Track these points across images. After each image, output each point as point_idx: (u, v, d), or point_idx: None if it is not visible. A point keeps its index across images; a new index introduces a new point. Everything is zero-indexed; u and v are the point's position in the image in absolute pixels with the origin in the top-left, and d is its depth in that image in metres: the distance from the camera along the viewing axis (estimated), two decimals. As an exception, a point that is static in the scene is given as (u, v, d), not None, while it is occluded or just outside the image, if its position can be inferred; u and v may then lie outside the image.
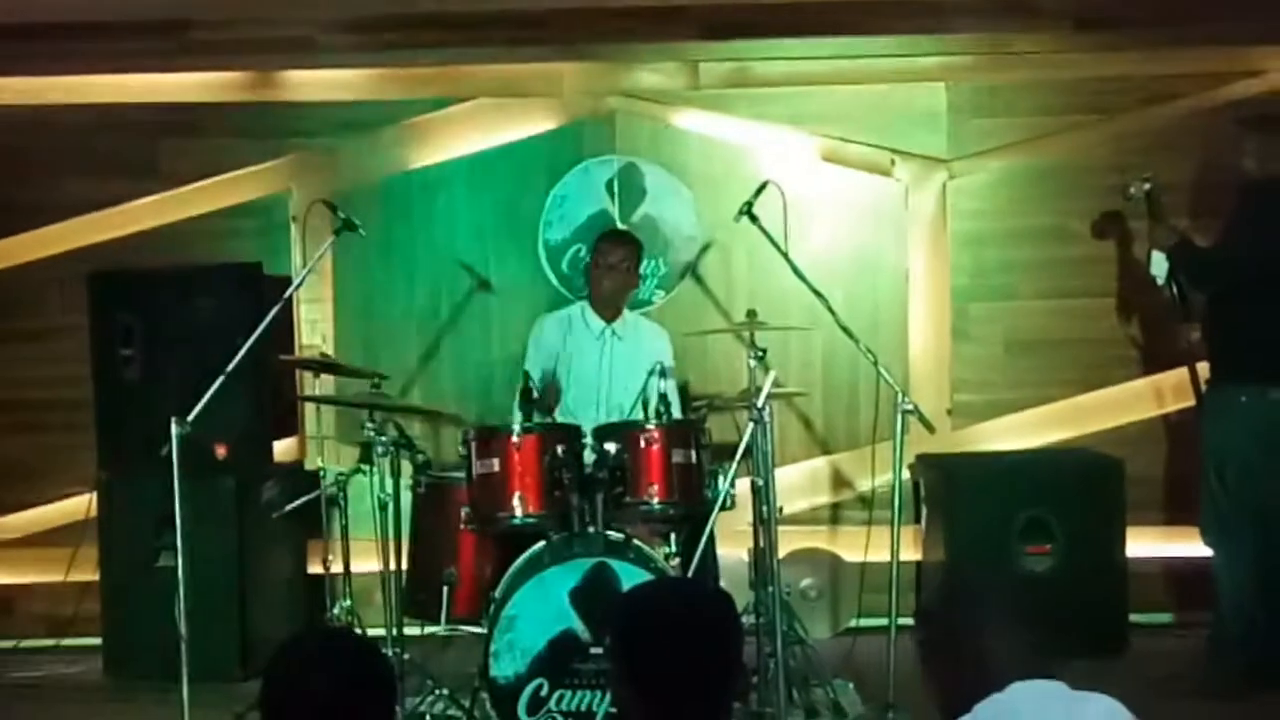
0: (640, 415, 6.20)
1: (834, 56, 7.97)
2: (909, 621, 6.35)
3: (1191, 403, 7.23)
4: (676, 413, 6.42)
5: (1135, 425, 7.96)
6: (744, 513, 6.43)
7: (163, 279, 7.51)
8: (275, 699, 2.83)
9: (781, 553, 6.22)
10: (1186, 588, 7.61)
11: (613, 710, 5.52)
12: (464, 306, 7.94)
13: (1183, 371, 7.36)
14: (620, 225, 7.86)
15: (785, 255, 6.38)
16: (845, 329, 6.27)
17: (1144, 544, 7.61)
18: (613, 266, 7.02)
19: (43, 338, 7.97)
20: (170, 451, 5.83)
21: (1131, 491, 7.41)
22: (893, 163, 8.03)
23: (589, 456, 6.04)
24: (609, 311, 7.05)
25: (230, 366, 6.01)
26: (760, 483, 6.04)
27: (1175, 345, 7.38)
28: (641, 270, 7.36)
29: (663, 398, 6.09)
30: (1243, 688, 6.36)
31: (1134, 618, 7.37)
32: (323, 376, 7.12)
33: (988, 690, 2.99)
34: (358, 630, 6.21)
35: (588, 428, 6.17)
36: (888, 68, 8.04)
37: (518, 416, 6.23)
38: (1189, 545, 7.19)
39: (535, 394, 6.24)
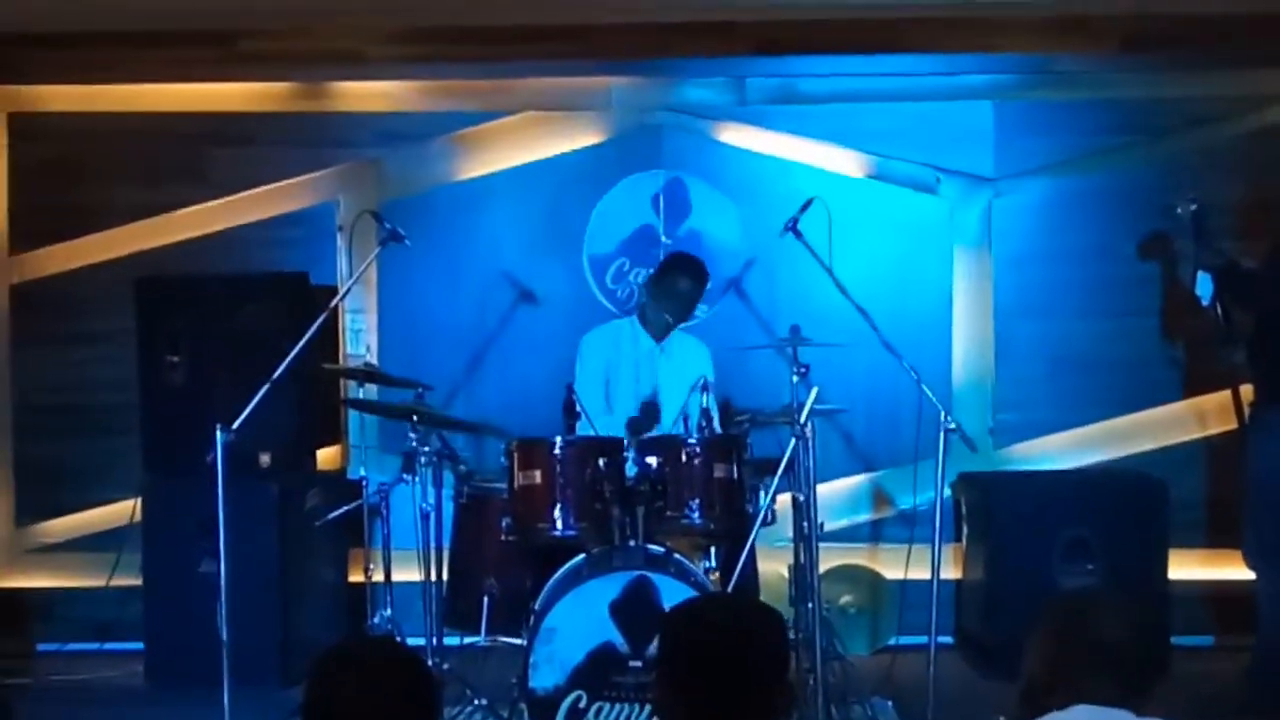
0: (682, 429, 6.20)
1: (881, 74, 7.96)
2: (949, 640, 6.38)
3: (1235, 425, 7.19)
4: (717, 427, 6.43)
5: (1178, 447, 7.93)
6: (785, 528, 6.43)
7: (210, 286, 7.57)
8: (317, 707, 2.84)
9: (822, 569, 6.22)
10: (1228, 610, 7.58)
11: (651, 724, 5.53)
12: (508, 318, 7.96)
13: (1226, 394, 7.33)
14: (665, 241, 7.87)
15: (829, 271, 6.38)
16: (888, 345, 6.26)
17: (1186, 567, 7.58)
18: (682, 295, 7.00)
19: (91, 342, 8.05)
20: (214, 458, 5.87)
21: (1174, 514, 7.37)
22: (938, 180, 8.03)
23: (630, 470, 6.05)
24: (663, 331, 7.04)
25: (275, 375, 6.05)
26: (802, 498, 6.04)
27: (1219, 367, 7.34)
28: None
29: (704, 412, 6.10)
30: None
31: (1176, 640, 7.33)
32: (366, 386, 7.15)
33: (1055, 707, 2.99)
34: (399, 640, 6.23)
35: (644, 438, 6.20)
36: (935, 85, 8.04)
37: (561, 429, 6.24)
38: (1231, 569, 7.16)
39: (578, 407, 6.25)
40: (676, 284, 7.01)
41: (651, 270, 7.44)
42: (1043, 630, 3.16)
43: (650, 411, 6.77)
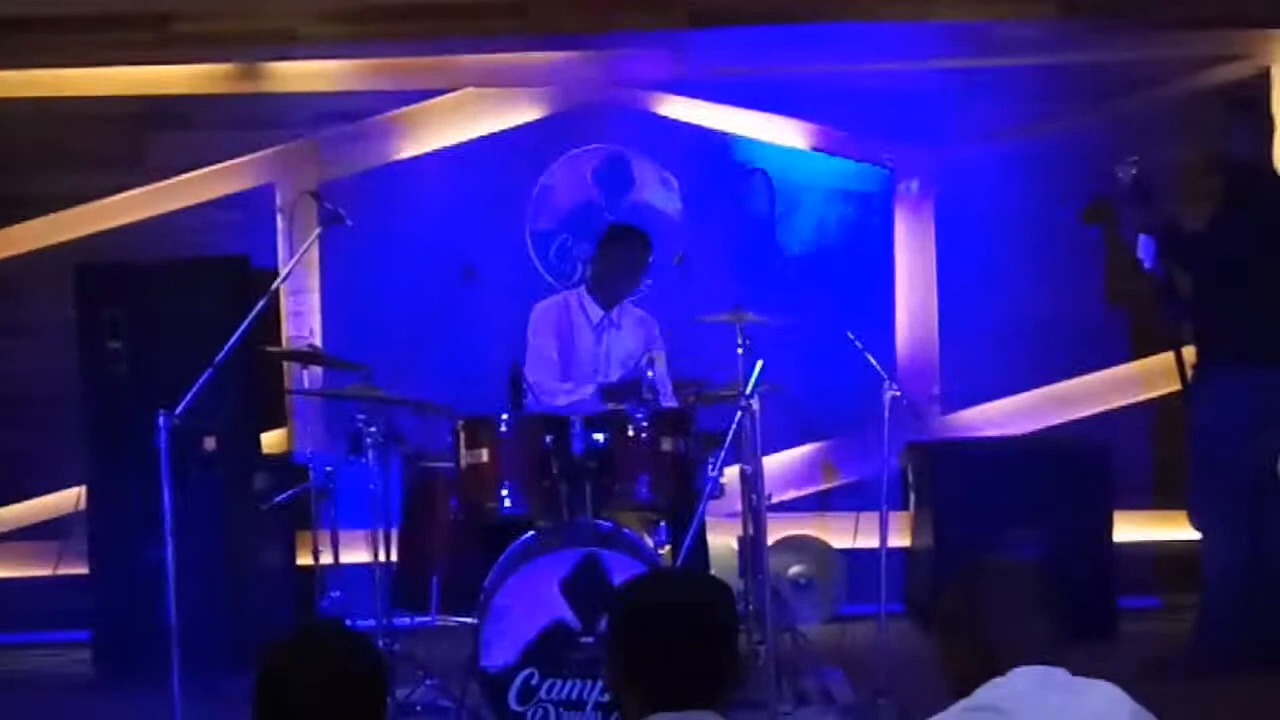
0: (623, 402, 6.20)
1: (822, 44, 7.96)
2: (898, 608, 6.39)
3: (1178, 386, 7.22)
4: (667, 398, 6.43)
5: (1123, 410, 7.98)
6: (733, 501, 6.43)
7: (150, 272, 7.51)
8: (267, 694, 2.83)
9: (770, 541, 6.23)
10: (1174, 571, 7.63)
11: (603, 700, 5.52)
12: (451, 297, 7.92)
13: (1169, 356, 7.35)
14: (607, 215, 7.86)
15: (773, 243, 6.37)
16: (834, 315, 6.27)
17: (1131, 528, 7.64)
18: (629, 264, 6.93)
19: (30, 331, 7.97)
20: (158, 444, 5.82)
21: (1120, 476, 7.43)
22: (883, 153, 8.03)
23: (578, 446, 6.03)
24: (610, 302, 7.00)
25: (218, 359, 5.99)
26: (749, 471, 6.04)
27: (1162, 329, 7.37)
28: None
29: (651, 387, 6.09)
30: (1231, 668, 6.37)
31: (1122, 601, 7.38)
32: (311, 368, 7.10)
33: (994, 674, 2.99)
34: (348, 622, 6.21)
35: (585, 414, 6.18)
36: (876, 54, 8.03)
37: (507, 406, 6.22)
38: (1177, 529, 7.21)
39: (525, 383, 6.22)
40: (624, 254, 6.95)
41: (594, 244, 7.38)
42: (953, 612, 3.16)
43: (633, 385, 6.69)
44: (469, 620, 6.01)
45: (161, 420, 5.79)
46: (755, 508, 6.04)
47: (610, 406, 6.28)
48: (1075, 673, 3.04)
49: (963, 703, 3.00)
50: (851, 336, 6.25)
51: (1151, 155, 7.23)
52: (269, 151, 8.08)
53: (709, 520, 6.33)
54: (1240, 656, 6.43)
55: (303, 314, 8.03)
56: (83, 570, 7.39)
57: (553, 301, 7.10)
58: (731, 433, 5.92)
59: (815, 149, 8.06)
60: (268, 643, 2.95)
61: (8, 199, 8.02)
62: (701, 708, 2.87)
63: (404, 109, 8.10)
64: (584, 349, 6.95)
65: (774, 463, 7.41)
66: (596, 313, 6.98)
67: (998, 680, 2.99)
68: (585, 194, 8.06)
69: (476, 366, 7.72)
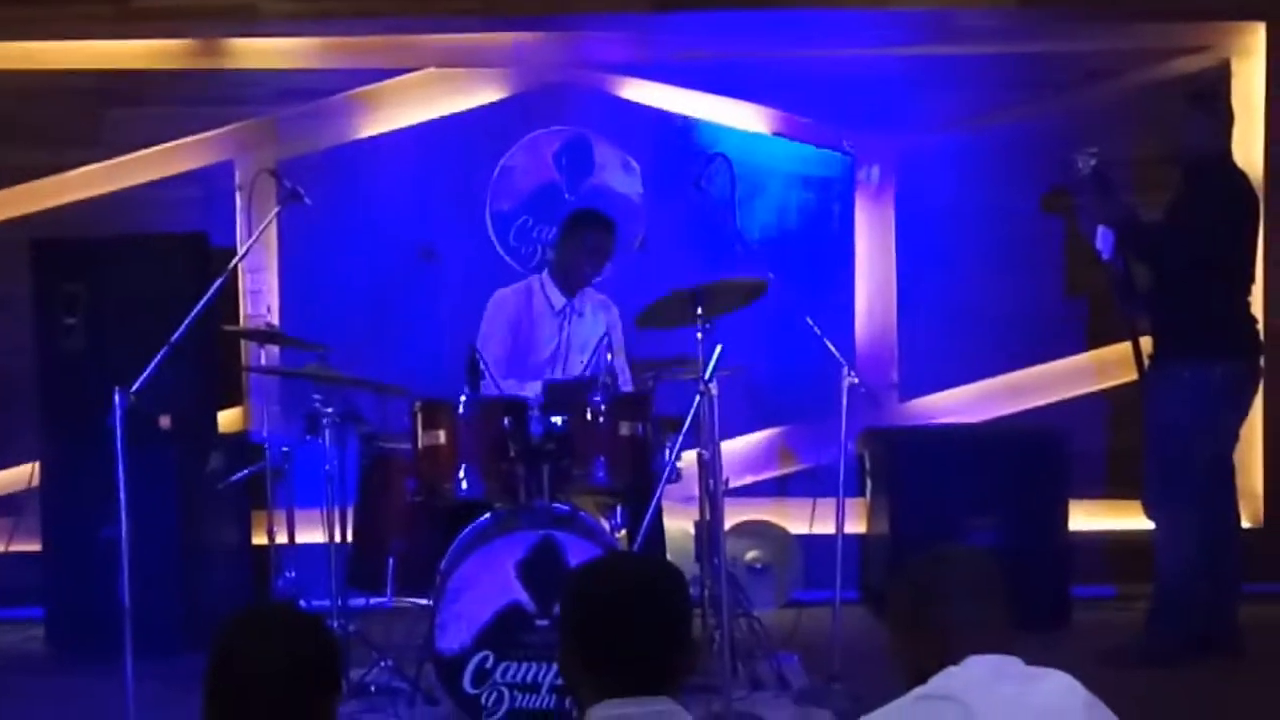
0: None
1: (784, 29, 7.97)
2: (854, 595, 6.39)
3: (1135, 377, 7.25)
4: (625, 383, 6.43)
5: (1080, 399, 8.02)
6: (690, 485, 6.42)
7: (107, 248, 7.46)
8: (220, 675, 2.82)
9: (727, 526, 6.23)
10: (1128, 561, 7.66)
11: (559, 683, 5.52)
12: (410, 277, 7.90)
13: (1126, 346, 7.37)
14: (568, 198, 7.84)
15: (733, 228, 6.37)
16: (793, 301, 6.27)
17: (1086, 518, 7.68)
18: (593, 249, 6.88)
19: (-16, 305, 7.90)
20: (114, 422, 5.79)
21: (1074, 465, 7.46)
22: (848, 146, 8.03)
23: (536, 429, 6.02)
24: (573, 288, 6.97)
25: (175, 337, 5.96)
26: (706, 455, 6.04)
27: (1119, 320, 7.40)
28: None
29: (609, 370, 6.09)
30: (1183, 658, 6.42)
31: (1075, 590, 7.42)
32: (268, 347, 7.07)
33: (949, 662, 3.00)
34: (302, 603, 6.20)
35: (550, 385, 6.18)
36: (838, 40, 8.04)
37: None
38: (1131, 519, 7.24)
39: (482, 366, 6.20)
40: (588, 238, 6.90)
41: (556, 228, 7.33)
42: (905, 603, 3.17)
43: (580, 386, 6.66)
44: (424, 602, 6.01)
45: (117, 397, 5.76)
46: (712, 492, 6.03)
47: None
48: (1029, 662, 3.06)
49: (916, 691, 3.01)
50: (811, 322, 6.26)
51: (1110, 146, 7.26)
52: (228, 128, 8.03)
53: (666, 505, 6.34)
54: (1192, 646, 6.48)
55: (260, 292, 7.98)
56: (35, 547, 7.35)
57: (513, 290, 7.03)
58: (690, 417, 5.92)
59: (776, 134, 8.06)
60: (220, 623, 2.94)
61: (-37, 172, 7.95)
62: (655, 693, 2.87)
63: (365, 88, 8.06)
64: (545, 337, 6.93)
65: (732, 447, 7.42)
66: (559, 299, 6.95)
67: (951, 669, 3.00)
68: (546, 176, 8.04)
69: (434, 347, 7.71)
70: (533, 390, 6.39)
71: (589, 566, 3.15)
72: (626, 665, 2.87)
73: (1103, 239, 6.89)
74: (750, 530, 7.77)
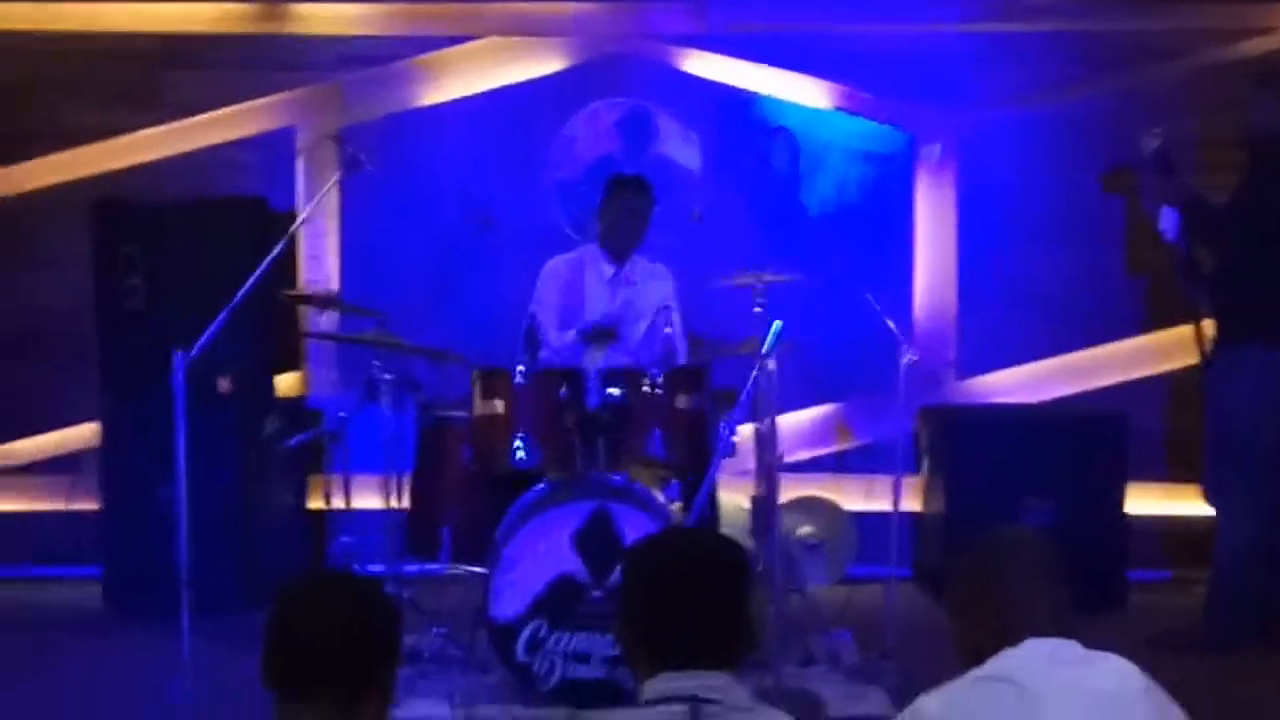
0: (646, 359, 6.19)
1: (845, 4, 7.93)
2: (907, 572, 6.37)
3: (1196, 360, 7.20)
4: (682, 355, 6.42)
5: (1140, 381, 7.96)
6: (746, 459, 6.42)
7: (168, 211, 7.50)
8: (281, 639, 2.83)
9: (782, 500, 6.22)
10: (1185, 545, 7.63)
11: (610, 654, 5.53)
12: (470, 245, 7.90)
13: (1187, 329, 7.31)
14: (628, 169, 7.80)
15: (796, 201, 6.35)
16: (853, 277, 6.25)
17: (1144, 500, 7.62)
18: (631, 212, 6.92)
19: (47, 266, 7.94)
20: (174, 383, 5.82)
21: (1134, 448, 7.41)
22: (905, 115, 7.99)
23: (592, 400, 6.03)
24: (621, 255, 6.99)
25: (235, 301, 5.99)
26: (763, 430, 6.02)
27: (1182, 302, 7.34)
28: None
29: (667, 341, 6.08)
30: (1240, 644, 6.38)
31: (1132, 574, 7.38)
32: (327, 313, 7.10)
33: (1007, 643, 2.98)
34: (357, 568, 6.22)
35: (601, 368, 6.17)
36: (901, 14, 7.99)
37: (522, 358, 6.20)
38: (1189, 503, 7.20)
39: (540, 335, 6.20)
40: (626, 203, 6.93)
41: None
42: (968, 584, 3.15)
43: (604, 330, 6.66)
44: (479, 570, 6.02)
45: (177, 360, 5.80)
46: (768, 467, 6.02)
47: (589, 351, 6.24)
48: (1085, 645, 3.04)
49: (975, 672, 3.00)
50: (870, 298, 6.22)
51: (1174, 126, 7.20)
52: (290, 94, 8.05)
53: (721, 479, 6.33)
54: (1249, 632, 6.44)
55: (320, 258, 8.01)
56: (94, 506, 7.40)
57: (565, 259, 7.06)
58: (747, 391, 5.91)
59: (838, 109, 8.02)
60: (281, 587, 2.95)
61: (29, 132, 8.00)
62: (713, 669, 2.87)
63: (427, 55, 8.06)
64: (597, 304, 6.93)
65: (787, 422, 7.38)
66: (608, 269, 6.96)
67: (1010, 651, 2.99)
68: (607, 146, 8.03)
69: (493, 316, 7.68)
70: (566, 339, 6.38)
71: (653, 540, 3.15)
72: (686, 641, 2.87)
73: (1166, 219, 6.84)
74: (804, 506, 7.71)
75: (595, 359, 6.47)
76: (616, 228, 6.92)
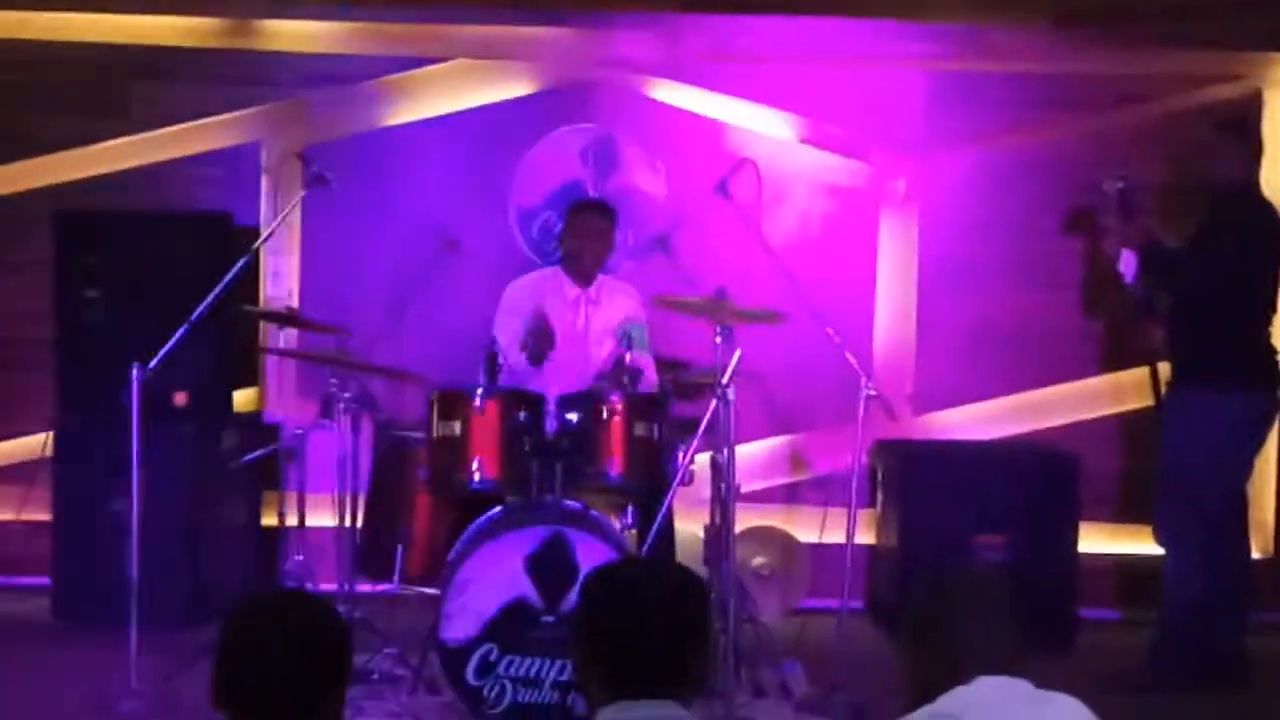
0: (604, 385, 6.20)
1: (813, 37, 7.97)
2: (859, 605, 6.36)
3: (1150, 402, 7.25)
4: (651, 374, 6.44)
5: (1094, 421, 8.00)
6: (702, 488, 6.42)
7: (130, 222, 7.50)
8: (230, 658, 2.82)
9: (736, 530, 6.23)
10: (1135, 585, 7.67)
11: (561, 679, 5.53)
12: (432, 267, 7.89)
13: (1142, 371, 7.37)
14: (593, 195, 7.82)
15: (758, 234, 6.37)
16: (813, 310, 6.27)
17: (1095, 540, 7.67)
18: (592, 235, 6.94)
19: (8, 273, 7.90)
20: (129, 396, 5.81)
21: (1085, 487, 7.45)
22: (869, 150, 8.03)
23: (551, 424, 6.04)
24: (584, 278, 7.00)
25: (195, 315, 5.98)
26: (720, 459, 6.04)
27: (1138, 344, 7.39)
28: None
29: (628, 369, 6.09)
30: (1187, 685, 6.41)
31: (1083, 612, 7.41)
32: (286, 329, 7.09)
33: (958, 681, 2.99)
34: (309, 586, 6.20)
35: (565, 392, 6.20)
36: (868, 50, 8.04)
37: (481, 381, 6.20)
38: (1139, 544, 7.25)
39: (500, 359, 6.20)
40: (586, 225, 6.96)
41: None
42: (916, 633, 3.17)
43: (540, 333, 6.63)
44: (431, 591, 6.01)
45: (135, 373, 5.79)
46: (724, 497, 6.03)
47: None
48: (1035, 684, 3.06)
49: (926, 709, 3.01)
50: (831, 332, 6.25)
51: (1137, 170, 7.26)
52: (256, 109, 8.03)
53: (676, 507, 6.34)
54: (1198, 674, 6.46)
55: (281, 274, 7.99)
56: (45, 517, 7.36)
57: (529, 279, 7.09)
58: (705, 421, 5.92)
59: (803, 142, 8.06)
60: (231, 605, 2.94)
61: (-7, 139, 7.97)
62: (667, 698, 2.87)
63: (395, 75, 8.06)
64: (563, 327, 6.94)
65: (743, 452, 7.38)
66: (573, 290, 6.98)
67: (960, 689, 3.00)
68: (571, 172, 8.03)
69: (452, 338, 7.66)
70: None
71: (612, 567, 3.16)
72: (641, 670, 2.87)
73: (1125, 263, 6.89)
74: (759, 536, 7.75)
75: (538, 364, 6.48)
76: (577, 250, 6.94)
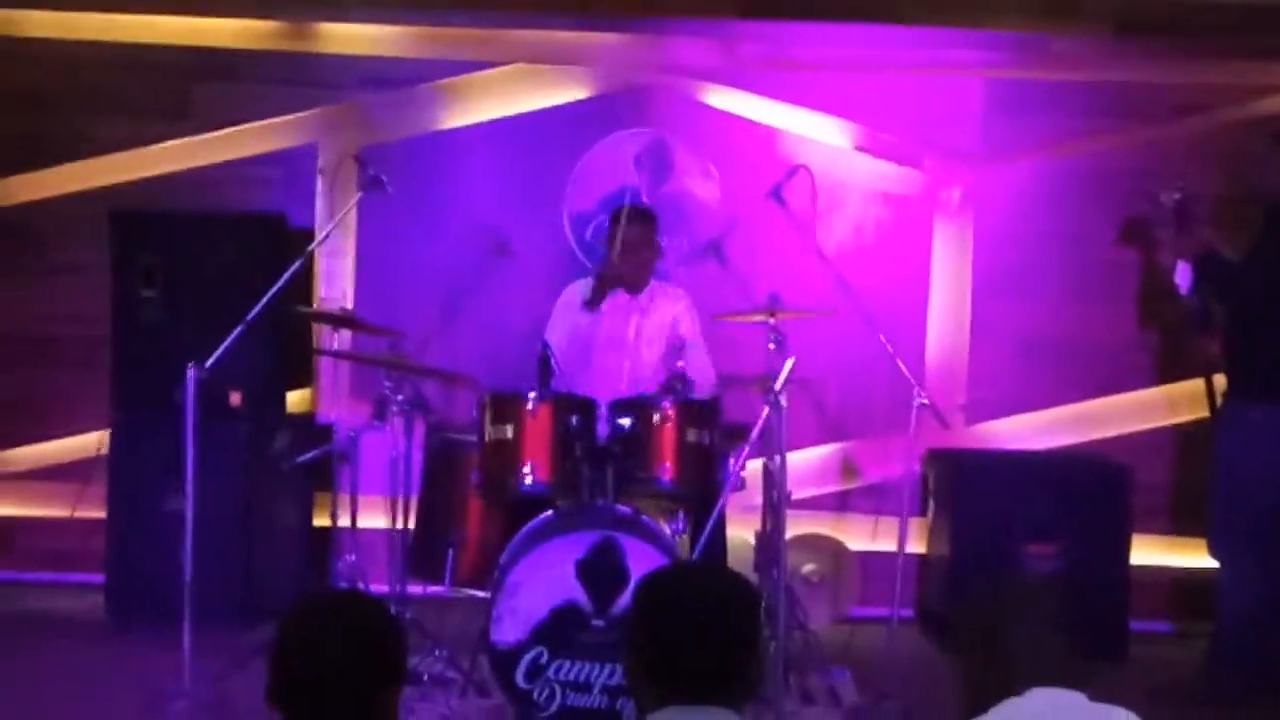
0: (659, 390, 6.21)
1: (871, 44, 7.96)
2: (908, 614, 6.34)
3: (1205, 414, 7.20)
4: (707, 376, 6.44)
5: (1148, 433, 7.96)
6: (753, 494, 6.42)
7: (187, 223, 7.54)
8: (286, 657, 2.83)
9: (787, 537, 6.22)
10: (1187, 598, 7.63)
11: (610, 683, 5.53)
12: (485, 270, 7.92)
13: (1197, 382, 7.33)
14: (643, 200, 7.83)
15: (812, 241, 6.37)
16: (866, 318, 6.26)
17: (1148, 552, 7.62)
18: (632, 247, 6.92)
19: (66, 273, 7.97)
20: (185, 395, 5.85)
21: (1139, 499, 7.41)
22: (924, 158, 8.01)
23: (603, 429, 6.04)
24: (633, 286, 7.00)
25: (250, 316, 6.02)
26: (772, 466, 6.03)
27: (1192, 356, 7.35)
28: (662, 242, 7.25)
29: (681, 376, 6.09)
30: (1241, 699, 6.37)
31: (1134, 625, 7.37)
32: (340, 331, 7.11)
33: (1011, 692, 2.98)
34: (361, 587, 6.22)
35: (615, 397, 6.20)
36: (925, 59, 8.02)
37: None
38: (1193, 556, 7.20)
39: (553, 362, 6.21)
40: (626, 236, 6.92)
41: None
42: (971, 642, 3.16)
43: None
44: (482, 594, 6.02)
45: (190, 372, 5.83)
46: (776, 503, 6.03)
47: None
48: (1090, 696, 3.04)
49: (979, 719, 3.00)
50: (884, 340, 6.24)
51: (1194, 181, 7.22)
52: (313, 111, 8.08)
53: (728, 513, 6.33)
54: (1251, 687, 6.42)
55: (336, 276, 8.03)
56: (100, 514, 7.40)
57: (583, 283, 7.09)
58: (758, 427, 5.92)
59: (859, 149, 8.05)
60: (289, 605, 2.96)
61: (51, 140, 8.03)
62: (718, 705, 2.87)
63: (451, 79, 8.08)
64: (613, 333, 6.95)
65: (795, 459, 7.38)
66: (623, 296, 6.98)
67: (1015, 700, 2.99)
68: (625, 177, 8.04)
69: (504, 341, 7.69)
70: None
71: (667, 573, 3.15)
72: (694, 676, 2.87)
73: (1181, 274, 6.86)
74: (809, 543, 7.74)
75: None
76: (622, 265, 6.92)
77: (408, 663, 2.99)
